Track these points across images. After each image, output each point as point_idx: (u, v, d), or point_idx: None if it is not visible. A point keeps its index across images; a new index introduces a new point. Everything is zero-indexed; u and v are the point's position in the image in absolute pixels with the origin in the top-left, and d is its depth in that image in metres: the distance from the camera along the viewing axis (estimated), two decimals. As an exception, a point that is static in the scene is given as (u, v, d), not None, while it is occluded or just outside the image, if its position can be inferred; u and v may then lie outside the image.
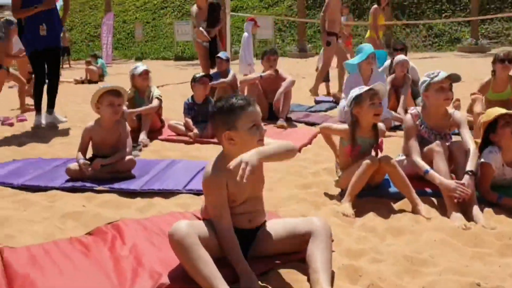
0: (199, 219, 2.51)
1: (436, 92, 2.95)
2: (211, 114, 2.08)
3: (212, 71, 7.35)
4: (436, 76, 2.95)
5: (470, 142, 2.84)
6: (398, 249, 2.26)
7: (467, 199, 2.64)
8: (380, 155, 2.95)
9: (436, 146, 2.85)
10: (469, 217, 2.62)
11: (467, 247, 2.30)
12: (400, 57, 6.08)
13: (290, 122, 5.42)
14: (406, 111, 5.73)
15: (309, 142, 4.48)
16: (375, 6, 8.56)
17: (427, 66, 14.15)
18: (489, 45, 21.36)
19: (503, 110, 2.82)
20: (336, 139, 3.24)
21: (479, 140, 3.00)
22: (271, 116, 5.44)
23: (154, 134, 4.77)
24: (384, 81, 5.45)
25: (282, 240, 2.11)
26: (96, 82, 12.54)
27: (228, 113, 1.97)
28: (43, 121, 5.63)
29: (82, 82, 12.61)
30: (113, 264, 2.06)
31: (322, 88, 8.22)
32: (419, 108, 3.12)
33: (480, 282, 1.94)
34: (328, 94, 8.13)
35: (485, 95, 4.72)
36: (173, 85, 10.17)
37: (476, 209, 2.63)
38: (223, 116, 1.99)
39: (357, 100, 2.91)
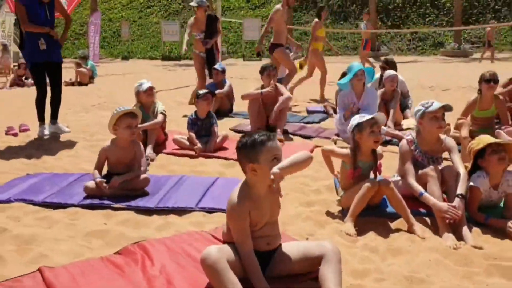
0: (216, 238, 2.77)
1: (430, 121, 3.24)
2: (236, 148, 2.32)
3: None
4: (430, 106, 3.24)
5: (460, 167, 3.14)
6: (398, 269, 2.53)
7: (457, 220, 2.93)
8: (378, 177, 3.23)
9: (430, 171, 3.14)
10: (459, 236, 2.91)
11: (458, 266, 2.58)
12: (390, 72, 6.40)
13: (286, 135, 5.67)
14: (395, 124, 6.07)
15: (308, 157, 4.72)
16: (316, 19, 9.01)
17: (413, 70, 14.58)
18: (471, 50, 21.92)
19: (491, 139, 3.11)
20: (334, 159, 3.51)
21: (467, 164, 3.29)
22: (269, 129, 5.70)
23: (159, 147, 4.98)
24: (375, 97, 5.75)
25: (297, 262, 2.36)
26: (86, 84, 12.63)
27: (251, 148, 2.22)
28: (47, 132, 5.80)
29: (72, 84, 12.68)
30: (146, 284, 2.29)
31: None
32: (414, 134, 3.40)
33: (471, 300, 2.22)
34: None
35: (472, 113, 5.03)
36: (166, 91, 10.32)
37: (465, 230, 2.92)
38: (246, 151, 2.24)
39: (359, 127, 3.18)
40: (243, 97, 5.85)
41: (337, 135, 5.61)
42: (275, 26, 7.78)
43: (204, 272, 2.15)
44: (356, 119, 3.23)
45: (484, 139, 3.15)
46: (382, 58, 8.23)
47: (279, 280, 2.33)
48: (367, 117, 3.19)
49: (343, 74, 7.16)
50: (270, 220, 2.35)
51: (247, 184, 2.30)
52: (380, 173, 3.28)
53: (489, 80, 4.86)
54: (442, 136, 3.35)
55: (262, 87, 5.86)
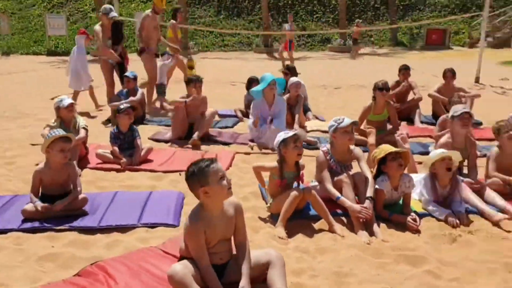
0: (167, 253, 3.06)
1: (342, 135, 3.79)
2: (186, 180, 2.61)
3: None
4: (342, 122, 3.79)
5: (368, 173, 3.73)
6: (327, 265, 3.02)
7: (369, 219, 3.50)
8: (301, 185, 3.71)
9: (344, 178, 3.69)
10: (371, 232, 3.48)
11: (374, 259, 3.14)
12: (294, 79, 6.99)
13: (207, 142, 5.99)
14: (300, 126, 6.66)
15: (230, 165, 5.11)
16: (173, 21, 9.55)
17: (304, 68, 15.50)
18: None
19: (391, 148, 3.73)
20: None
21: (372, 169, 3.90)
22: (190, 136, 5.98)
23: (81, 162, 5.00)
24: (284, 104, 6.29)
25: (247, 269, 2.74)
26: (-29, 89, 11.78)
27: (200, 174, 2.55)
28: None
29: (-45, 87, 11.77)
30: (116, 302, 2.53)
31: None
32: (328, 146, 3.93)
33: (387, 286, 2.77)
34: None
35: (368, 117, 5.75)
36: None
37: (375, 226, 3.51)
38: (196, 178, 2.56)
39: (284, 143, 3.62)
40: (171, 103, 6.08)
41: (252, 140, 6.05)
42: (145, 32, 7.99)
43: (172, 287, 2.45)
44: (281, 136, 3.66)
45: (385, 148, 3.76)
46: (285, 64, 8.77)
47: (234, 285, 2.69)
48: (290, 133, 3.64)
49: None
50: (223, 238, 2.69)
51: (202, 206, 2.63)
52: (303, 182, 3.76)
53: (381, 88, 5.60)
54: (352, 147, 3.92)
55: (188, 96, 6.15)
